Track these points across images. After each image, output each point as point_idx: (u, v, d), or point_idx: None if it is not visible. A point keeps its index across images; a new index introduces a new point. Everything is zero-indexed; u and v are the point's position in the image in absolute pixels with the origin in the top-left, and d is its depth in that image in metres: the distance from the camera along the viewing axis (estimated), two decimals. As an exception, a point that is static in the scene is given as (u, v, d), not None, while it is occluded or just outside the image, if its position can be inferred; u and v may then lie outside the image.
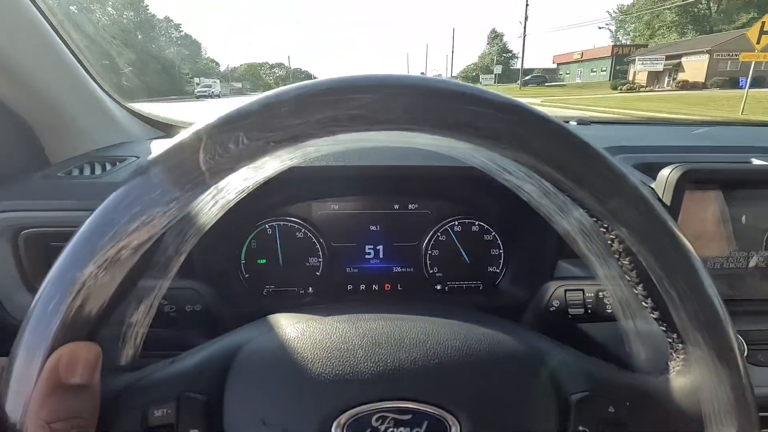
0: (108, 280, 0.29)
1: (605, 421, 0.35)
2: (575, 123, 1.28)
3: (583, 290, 0.58)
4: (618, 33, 63.35)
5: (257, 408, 0.34)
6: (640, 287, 0.34)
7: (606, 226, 0.32)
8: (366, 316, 0.40)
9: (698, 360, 0.32)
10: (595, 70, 47.44)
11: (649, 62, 34.30)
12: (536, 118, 0.29)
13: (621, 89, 31.60)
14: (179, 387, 0.34)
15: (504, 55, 72.43)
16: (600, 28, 69.03)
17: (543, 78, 51.12)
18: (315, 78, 0.34)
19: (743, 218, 0.66)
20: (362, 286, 0.87)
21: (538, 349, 0.39)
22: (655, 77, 36.08)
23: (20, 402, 0.28)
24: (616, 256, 0.33)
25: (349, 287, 0.87)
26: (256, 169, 0.34)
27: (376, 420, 0.33)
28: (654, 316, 0.35)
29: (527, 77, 45.72)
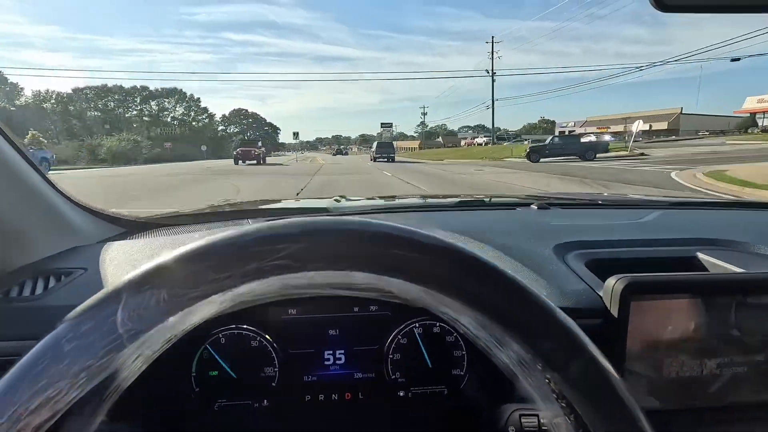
0: None
1: None
2: (536, 207, 1.32)
3: (537, 416, 0.56)
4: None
5: None
6: None
7: (540, 365, 0.31)
8: None
9: None
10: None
11: None
12: (461, 260, 0.29)
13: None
14: None
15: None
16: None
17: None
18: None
19: (692, 325, 0.67)
20: (321, 396, 0.83)
21: None
22: None
23: None
24: (554, 396, 0.32)
25: (307, 398, 0.82)
26: (183, 318, 0.31)
27: None
28: None
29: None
